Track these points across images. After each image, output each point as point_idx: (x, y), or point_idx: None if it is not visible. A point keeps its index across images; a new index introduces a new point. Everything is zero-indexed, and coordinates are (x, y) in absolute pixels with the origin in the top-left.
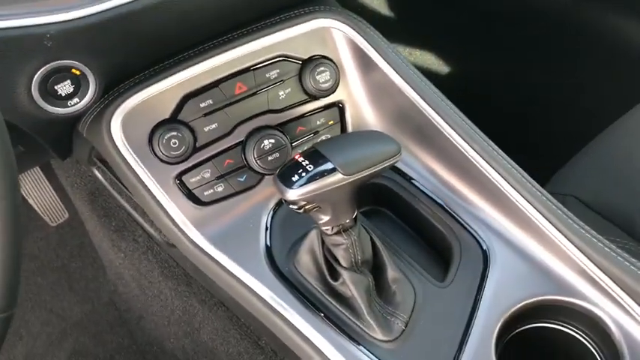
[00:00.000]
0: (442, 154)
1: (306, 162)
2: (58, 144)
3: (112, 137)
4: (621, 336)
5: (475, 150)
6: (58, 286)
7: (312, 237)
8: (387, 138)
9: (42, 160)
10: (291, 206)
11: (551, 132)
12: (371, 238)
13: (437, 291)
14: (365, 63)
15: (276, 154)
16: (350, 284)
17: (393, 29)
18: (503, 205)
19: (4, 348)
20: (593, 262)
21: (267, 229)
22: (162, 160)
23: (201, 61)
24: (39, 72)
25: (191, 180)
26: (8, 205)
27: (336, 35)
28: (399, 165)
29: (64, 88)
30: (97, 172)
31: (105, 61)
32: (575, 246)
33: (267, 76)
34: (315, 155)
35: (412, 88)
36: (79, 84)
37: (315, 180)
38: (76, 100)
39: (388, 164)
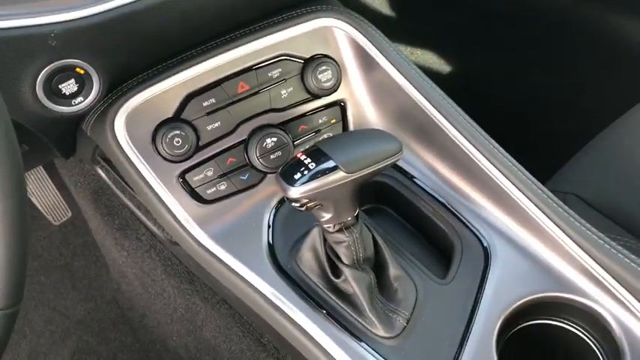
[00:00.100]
0: (444, 152)
1: (308, 160)
2: (62, 143)
3: (115, 136)
4: (622, 333)
5: (477, 148)
6: (61, 285)
7: (314, 235)
8: (388, 136)
9: (46, 159)
10: (293, 204)
11: (551, 132)
12: (373, 236)
13: (438, 288)
14: (367, 62)
15: (279, 153)
16: (352, 281)
17: (394, 29)
18: (505, 203)
19: (8, 346)
20: (594, 260)
21: (269, 227)
22: (165, 159)
23: (204, 60)
24: (43, 71)
25: (194, 178)
26: (15, 204)
27: (338, 34)
28: (400, 163)
29: (69, 87)
30: (100, 171)
31: (108, 60)
32: (576, 243)
33: (270, 75)
34: (317, 153)
35: (414, 87)
36: (83, 83)
37: (317, 178)
38: (80, 98)
39: (390, 162)
